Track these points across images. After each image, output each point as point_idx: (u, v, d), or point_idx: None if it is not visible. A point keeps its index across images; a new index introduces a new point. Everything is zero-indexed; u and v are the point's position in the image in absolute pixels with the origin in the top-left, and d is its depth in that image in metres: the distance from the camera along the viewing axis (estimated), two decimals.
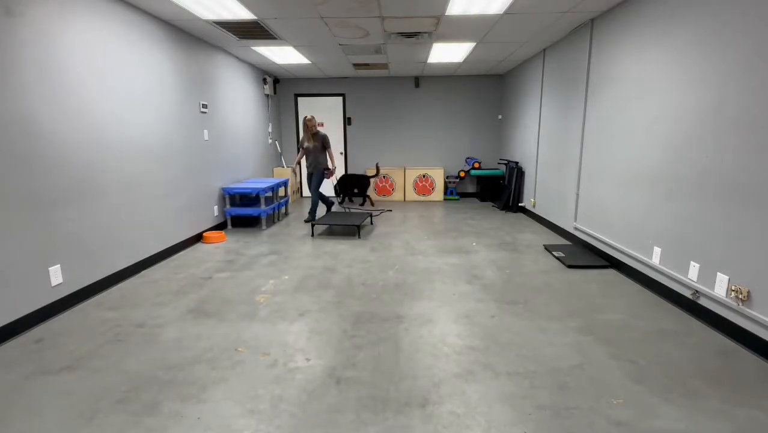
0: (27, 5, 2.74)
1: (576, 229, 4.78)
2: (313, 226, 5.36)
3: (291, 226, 5.92)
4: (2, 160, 2.57)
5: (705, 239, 2.80)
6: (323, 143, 5.94)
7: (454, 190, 8.32)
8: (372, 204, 7.68)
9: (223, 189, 5.60)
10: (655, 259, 3.31)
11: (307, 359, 2.38)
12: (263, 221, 5.68)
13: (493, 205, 7.60)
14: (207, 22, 4.39)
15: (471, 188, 8.69)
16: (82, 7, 3.21)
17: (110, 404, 1.99)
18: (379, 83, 8.25)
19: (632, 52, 3.64)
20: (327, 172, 6.03)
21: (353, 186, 7.52)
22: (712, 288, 2.73)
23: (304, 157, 6.10)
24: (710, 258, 2.76)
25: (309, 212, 6.05)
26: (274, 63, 6.64)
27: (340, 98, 8.37)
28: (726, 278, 2.62)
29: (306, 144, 5.96)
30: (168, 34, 4.40)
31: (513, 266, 4.03)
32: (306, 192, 8.82)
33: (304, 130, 6.04)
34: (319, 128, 6.10)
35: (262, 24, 4.47)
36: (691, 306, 2.92)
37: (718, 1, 2.67)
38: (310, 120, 5.98)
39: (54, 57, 2.95)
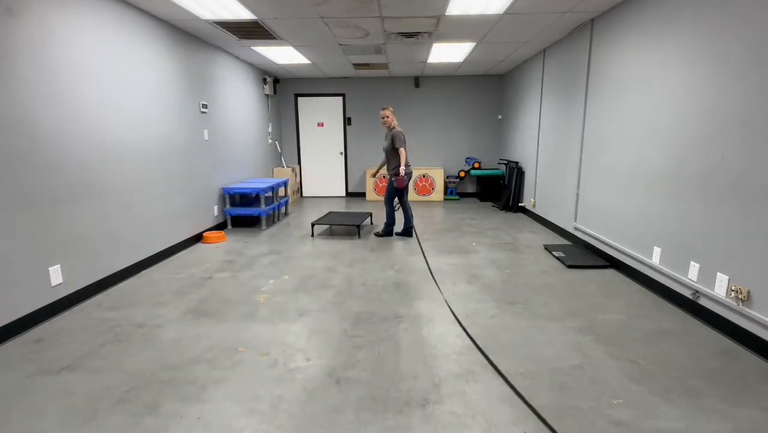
0: (27, 5, 2.74)
1: (576, 229, 4.77)
2: (313, 226, 5.36)
3: (291, 226, 5.92)
4: (2, 160, 2.57)
5: (705, 239, 2.79)
6: (393, 142, 4.86)
7: (454, 190, 8.32)
8: None
9: (223, 189, 5.60)
10: (655, 259, 3.31)
11: (307, 359, 2.38)
12: (263, 221, 5.68)
13: (493, 205, 7.60)
14: (207, 22, 4.39)
15: (471, 188, 8.68)
16: (82, 7, 3.21)
17: (110, 404, 1.99)
18: (379, 83, 8.24)
19: (632, 52, 3.64)
20: (396, 179, 4.91)
21: None
22: (712, 288, 2.73)
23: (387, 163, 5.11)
24: (710, 258, 2.75)
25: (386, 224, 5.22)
26: (274, 63, 6.64)
27: (340, 98, 8.37)
28: (726, 278, 2.62)
29: (384, 145, 5.01)
30: (168, 34, 4.40)
31: (513, 266, 4.03)
32: (308, 191, 8.84)
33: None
34: (393, 124, 4.95)
35: (262, 24, 4.47)
36: (691, 306, 2.92)
37: (719, 0, 2.67)
38: (384, 111, 4.97)
39: (54, 57, 2.95)
